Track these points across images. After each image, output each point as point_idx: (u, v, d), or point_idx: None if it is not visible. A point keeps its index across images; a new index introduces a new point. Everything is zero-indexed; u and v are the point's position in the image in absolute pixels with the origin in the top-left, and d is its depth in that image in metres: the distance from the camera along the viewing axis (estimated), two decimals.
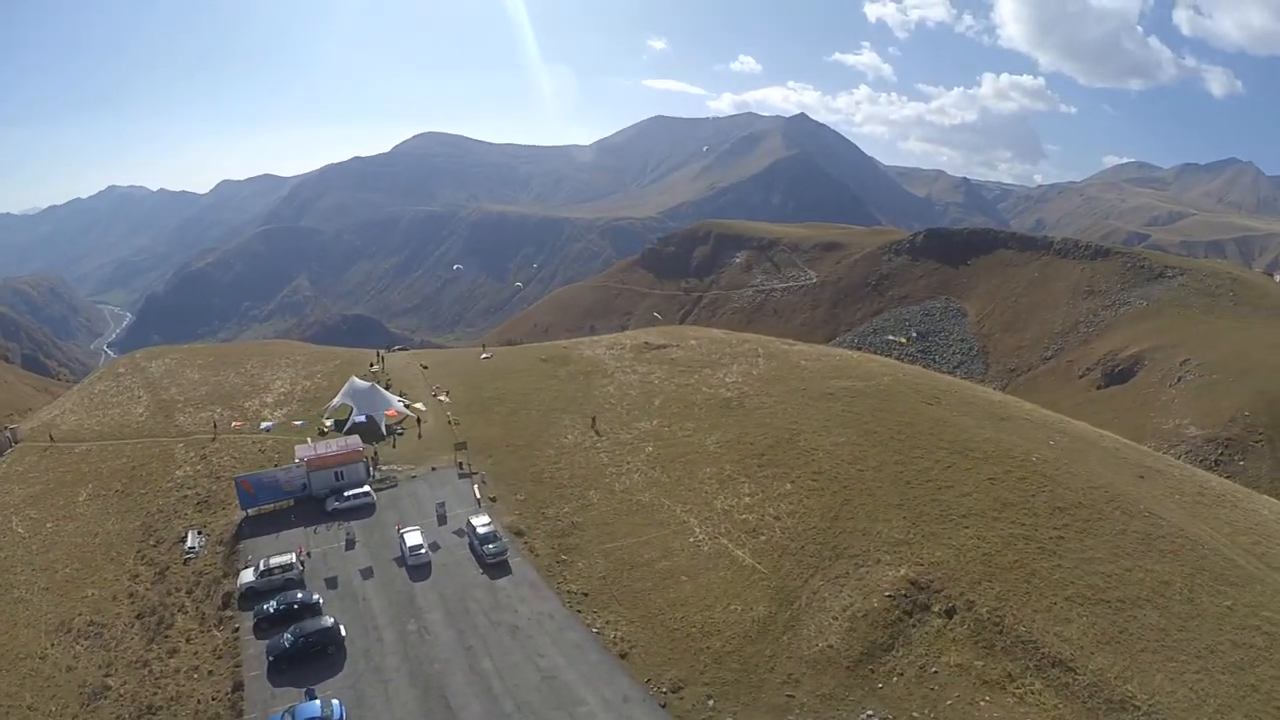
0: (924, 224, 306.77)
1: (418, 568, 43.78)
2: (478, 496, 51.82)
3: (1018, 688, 31.75)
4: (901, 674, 33.16)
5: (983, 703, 31.09)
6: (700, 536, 44.75)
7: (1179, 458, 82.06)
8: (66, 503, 53.53)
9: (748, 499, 47.79)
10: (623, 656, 35.63)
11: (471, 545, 45.36)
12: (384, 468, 57.67)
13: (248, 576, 42.74)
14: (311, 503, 52.08)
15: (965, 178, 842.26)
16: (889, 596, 36.83)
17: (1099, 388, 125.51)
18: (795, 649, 34.97)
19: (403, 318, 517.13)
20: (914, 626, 35.42)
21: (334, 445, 55.83)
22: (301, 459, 53.49)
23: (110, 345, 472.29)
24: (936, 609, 36.08)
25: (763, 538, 43.49)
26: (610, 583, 41.36)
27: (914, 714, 31.06)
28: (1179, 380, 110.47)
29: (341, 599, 41.46)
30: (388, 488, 54.58)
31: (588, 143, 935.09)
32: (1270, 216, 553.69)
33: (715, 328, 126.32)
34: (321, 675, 34.93)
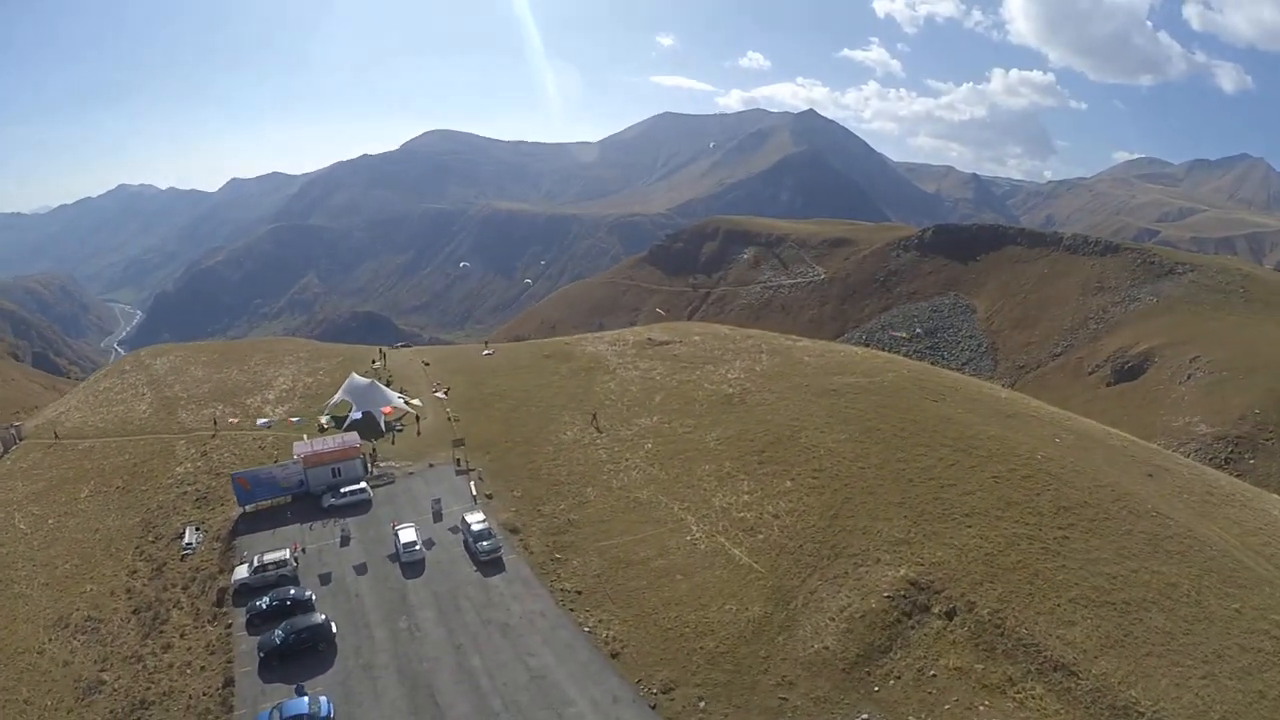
0: (933, 220, 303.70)
1: (411, 564, 43.46)
2: (474, 493, 51.38)
3: (1018, 692, 30.87)
4: (899, 677, 32.36)
5: (981, 707, 30.25)
6: (697, 534, 44.10)
7: (1189, 456, 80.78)
8: (69, 499, 53.58)
9: (746, 496, 47.08)
10: (614, 656, 35.10)
11: (466, 542, 45.03)
12: (382, 464, 57.32)
13: (242, 573, 42.70)
14: (309, 499, 51.92)
15: (975, 174, 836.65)
16: (888, 597, 36.04)
17: (1109, 385, 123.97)
18: (790, 650, 34.25)
19: (412, 315, 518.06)
20: (913, 628, 34.63)
21: (331, 442, 55.67)
22: (298, 455, 53.34)
23: (121, 343, 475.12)
24: (936, 610, 35.25)
25: (761, 536, 42.77)
26: (604, 581, 40.78)
27: (910, 718, 30.30)
28: (1189, 377, 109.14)
29: (334, 595, 41.26)
30: (385, 484, 54.28)
31: (596, 140, 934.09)
32: None
33: (723, 324, 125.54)
34: (312, 672, 34.86)
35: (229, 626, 39.13)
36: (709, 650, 34.80)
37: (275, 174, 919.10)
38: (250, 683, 34.87)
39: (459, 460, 56.31)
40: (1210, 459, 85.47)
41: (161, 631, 39.58)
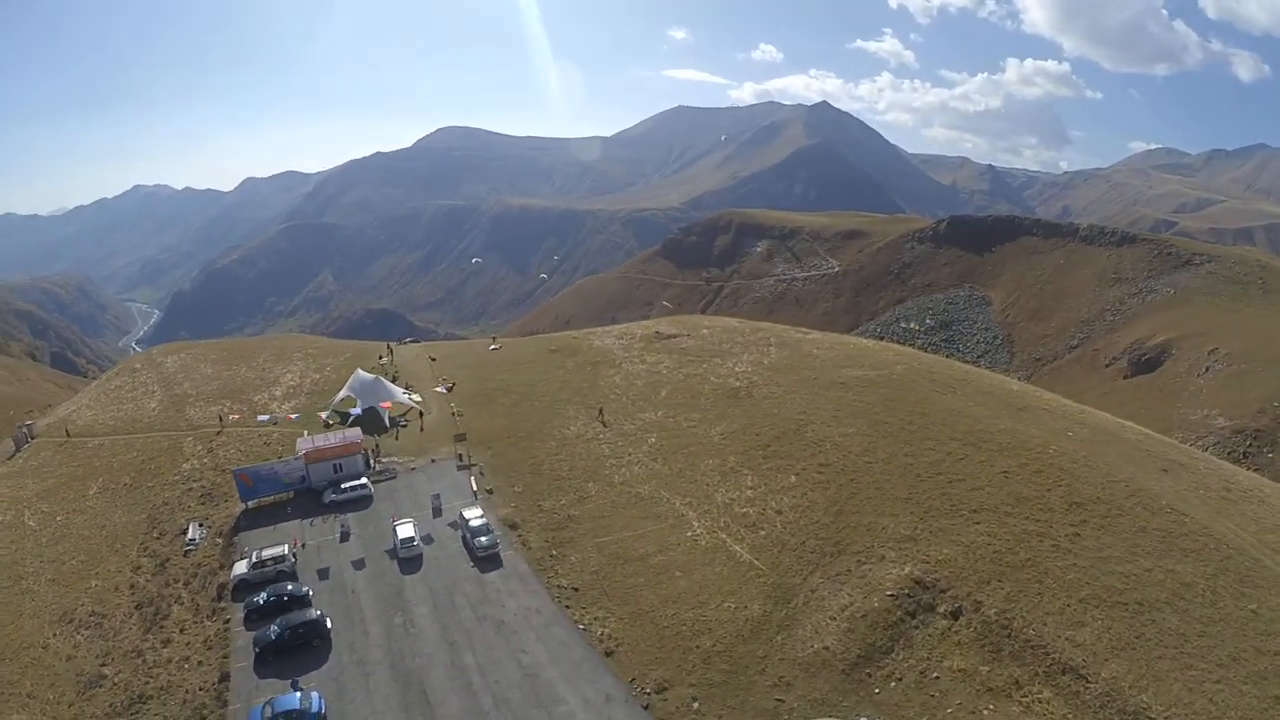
0: (949, 212, 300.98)
1: (409, 560, 43.30)
2: (474, 489, 50.91)
3: (1024, 696, 29.81)
4: (900, 679, 31.37)
5: (985, 711, 29.21)
6: (698, 530, 43.28)
7: (1206, 449, 78.91)
8: (77, 496, 53.89)
9: (750, 492, 46.16)
10: (608, 654, 34.48)
11: (464, 538, 44.66)
12: (384, 459, 57.06)
13: (241, 568, 42.80)
14: (311, 495, 51.86)
15: (990, 165, 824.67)
16: (891, 596, 35.01)
17: (1125, 377, 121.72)
18: (789, 650, 33.36)
19: (426, 311, 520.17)
20: (916, 628, 33.62)
21: (333, 438, 55.60)
22: (300, 451, 53.31)
23: (139, 342, 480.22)
24: (941, 610, 34.21)
25: (763, 532, 41.87)
26: (602, 578, 40.13)
27: None
28: (1207, 370, 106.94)
29: (332, 591, 41.20)
30: (386, 480, 54.03)
31: (609, 134, 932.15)
32: None
33: (736, 317, 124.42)
34: (306, 667, 34.89)
35: (227, 622, 39.25)
36: (705, 649, 34.03)
37: (289, 173, 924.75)
38: (245, 678, 34.92)
39: (461, 455, 55.86)
40: (1228, 453, 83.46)
41: (162, 627, 39.82)
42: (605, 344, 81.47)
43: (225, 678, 35.10)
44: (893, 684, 31.30)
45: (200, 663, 36.45)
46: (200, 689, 34.62)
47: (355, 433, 57.25)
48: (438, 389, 69.43)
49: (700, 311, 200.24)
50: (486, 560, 42.59)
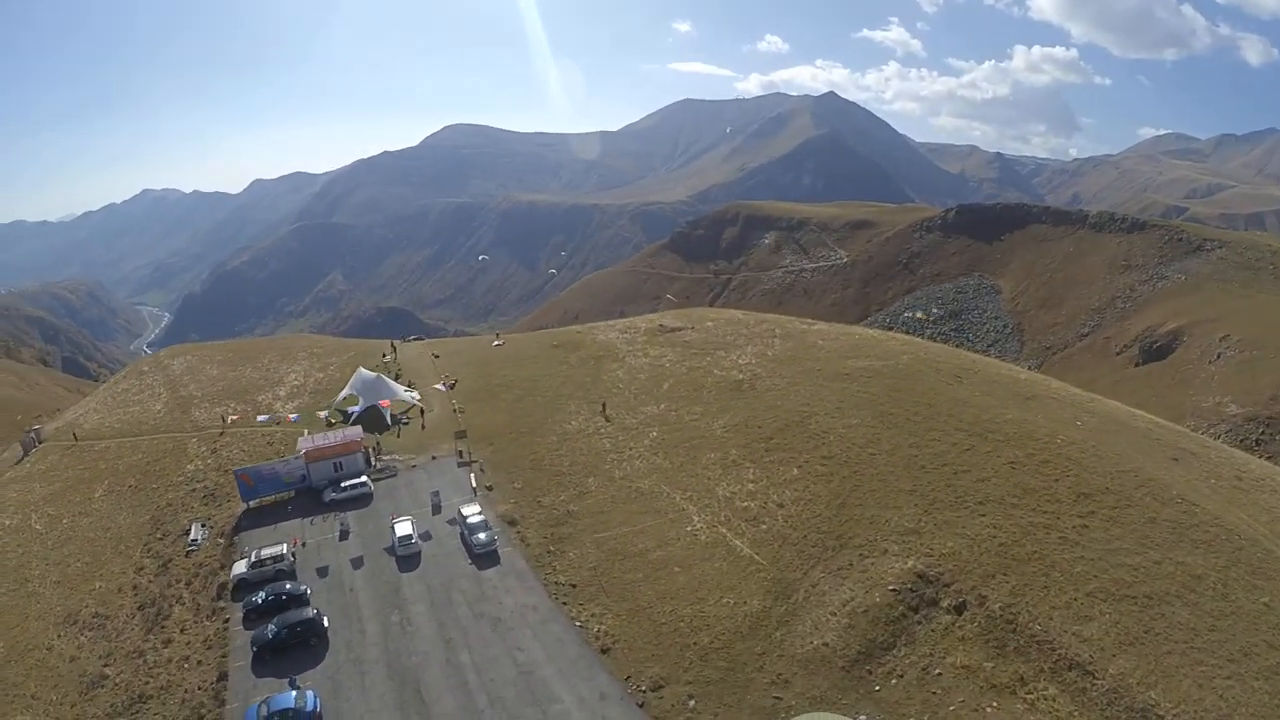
0: (957, 201, 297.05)
1: (407, 558, 43.19)
2: (473, 485, 50.58)
3: (1029, 692, 28.95)
4: (901, 675, 30.60)
5: (989, 709, 28.39)
6: (698, 525, 42.70)
7: (1218, 437, 77.37)
8: (83, 499, 54.07)
9: (751, 485, 45.51)
10: (604, 651, 34.03)
11: (462, 535, 44.44)
12: (385, 457, 56.91)
13: (240, 568, 42.91)
14: (312, 494, 51.86)
15: (999, 153, 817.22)
16: (893, 590, 34.22)
17: (1137, 365, 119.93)
18: (788, 647, 32.71)
19: (436, 309, 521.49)
20: (919, 624, 32.83)
21: (333, 436, 55.45)
22: (301, 450, 53.22)
23: (150, 345, 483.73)
24: (945, 604, 33.40)
25: (764, 526, 41.21)
26: (600, 574, 39.66)
27: None
28: (1219, 357, 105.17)
29: (330, 589, 41.17)
30: (387, 477, 53.90)
31: (616, 128, 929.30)
32: None
33: (745, 309, 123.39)
34: (303, 666, 34.89)
35: (226, 621, 39.36)
36: (703, 646, 33.46)
37: (297, 174, 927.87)
38: (243, 677, 35.01)
39: (461, 452, 55.54)
40: (1241, 441, 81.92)
41: (163, 627, 39.90)
42: (609, 338, 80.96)
43: (223, 677, 35.21)
44: (894, 681, 30.54)
45: (200, 662, 36.54)
46: (199, 688, 34.72)
47: (355, 431, 57.07)
48: (437, 386, 69.14)
49: (709, 304, 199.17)
50: (484, 557, 42.29)
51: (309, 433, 57.80)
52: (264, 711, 31.15)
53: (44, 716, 34.75)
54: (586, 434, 56.23)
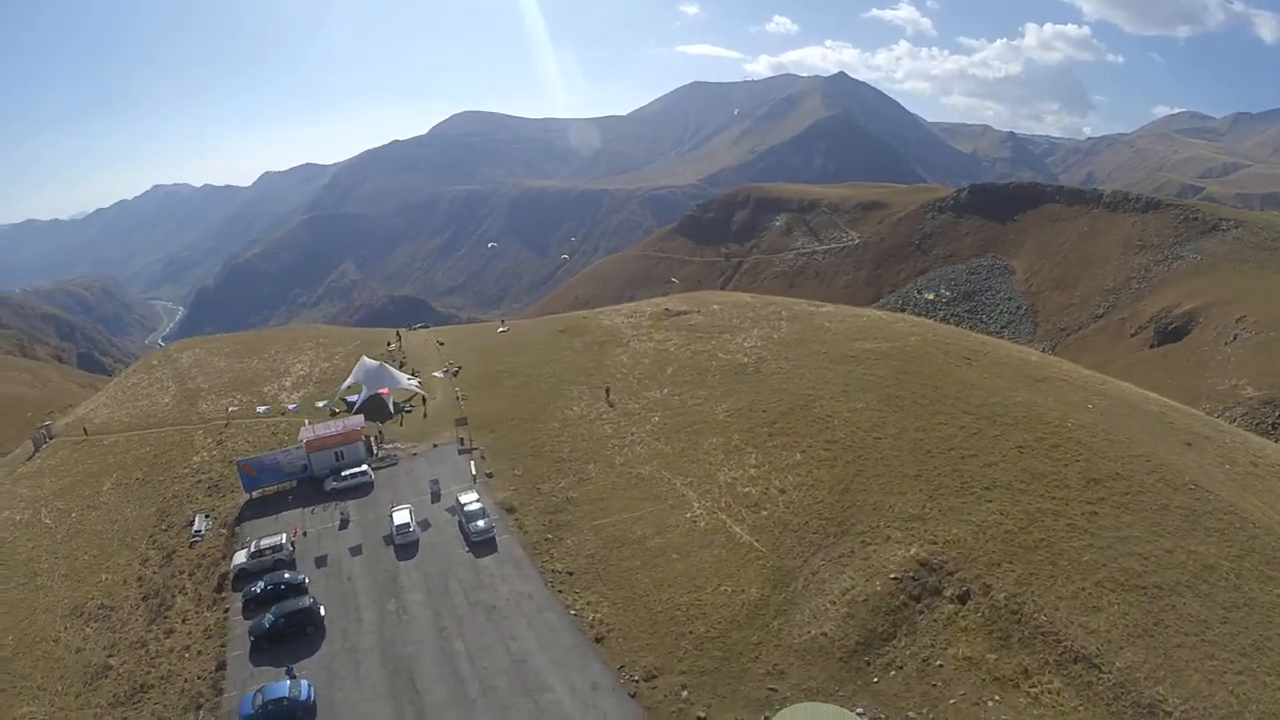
0: (970, 181, 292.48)
1: (404, 546, 43.04)
2: (473, 473, 50.19)
3: (1033, 685, 28.04)
4: (901, 667, 29.79)
5: (991, 703, 27.51)
6: (698, 511, 42.02)
7: (1234, 421, 75.93)
8: (92, 493, 54.46)
9: (753, 470, 44.72)
10: (598, 640, 33.57)
11: (460, 523, 44.10)
12: (387, 446, 56.66)
13: (240, 558, 43.05)
14: (314, 483, 51.78)
15: (1011, 132, 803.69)
16: (894, 579, 33.37)
17: (1152, 346, 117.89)
18: (785, 636, 32.00)
19: (448, 296, 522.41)
20: (920, 613, 31.97)
21: (334, 426, 55.34)
22: (302, 440, 53.14)
23: (164, 339, 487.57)
24: (948, 593, 32.48)
25: (764, 513, 40.45)
26: (597, 561, 39.14)
27: (910, 714, 27.69)
28: (1235, 338, 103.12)
29: (328, 579, 41.12)
30: (388, 466, 53.73)
31: (625, 113, 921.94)
32: None
33: (756, 292, 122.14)
34: (300, 655, 34.93)
35: (226, 611, 39.44)
36: (699, 635, 32.84)
37: (307, 165, 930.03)
38: (241, 666, 35.15)
39: (462, 439, 55.14)
40: (1257, 424, 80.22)
41: (166, 617, 40.20)
42: (613, 323, 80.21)
43: (222, 666, 35.32)
44: (892, 673, 29.74)
45: (200, 652, 36.67)
46: (198, 678, 34.89)
47: (356, 420, 56.96)
48: (436, 374, 68.76)
49: (721, 287, 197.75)
50: (482, 545, 41.98)
51: (309, 423, 57.62)
52: (259, 700, 31.22)
53: (49, 707, 35.03)
54: (588, 420, 55.64)
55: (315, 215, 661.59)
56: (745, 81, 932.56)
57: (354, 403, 63.08)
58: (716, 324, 74.18)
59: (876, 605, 32.46)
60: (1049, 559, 33.36)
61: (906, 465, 41.79)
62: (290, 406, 62.53)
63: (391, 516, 44.41)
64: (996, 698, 27.83)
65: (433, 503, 47.45)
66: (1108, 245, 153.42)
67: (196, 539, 46.67)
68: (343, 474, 51.10)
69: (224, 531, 47.07)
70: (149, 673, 35.96)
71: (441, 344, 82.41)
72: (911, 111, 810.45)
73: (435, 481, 49.21)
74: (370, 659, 34.28)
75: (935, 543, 35.20)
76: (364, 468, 51.75)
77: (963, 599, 32.17)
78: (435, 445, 55.93)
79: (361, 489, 50.28)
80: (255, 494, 50.76)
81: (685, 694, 29.91)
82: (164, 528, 48.73)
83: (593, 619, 34.87)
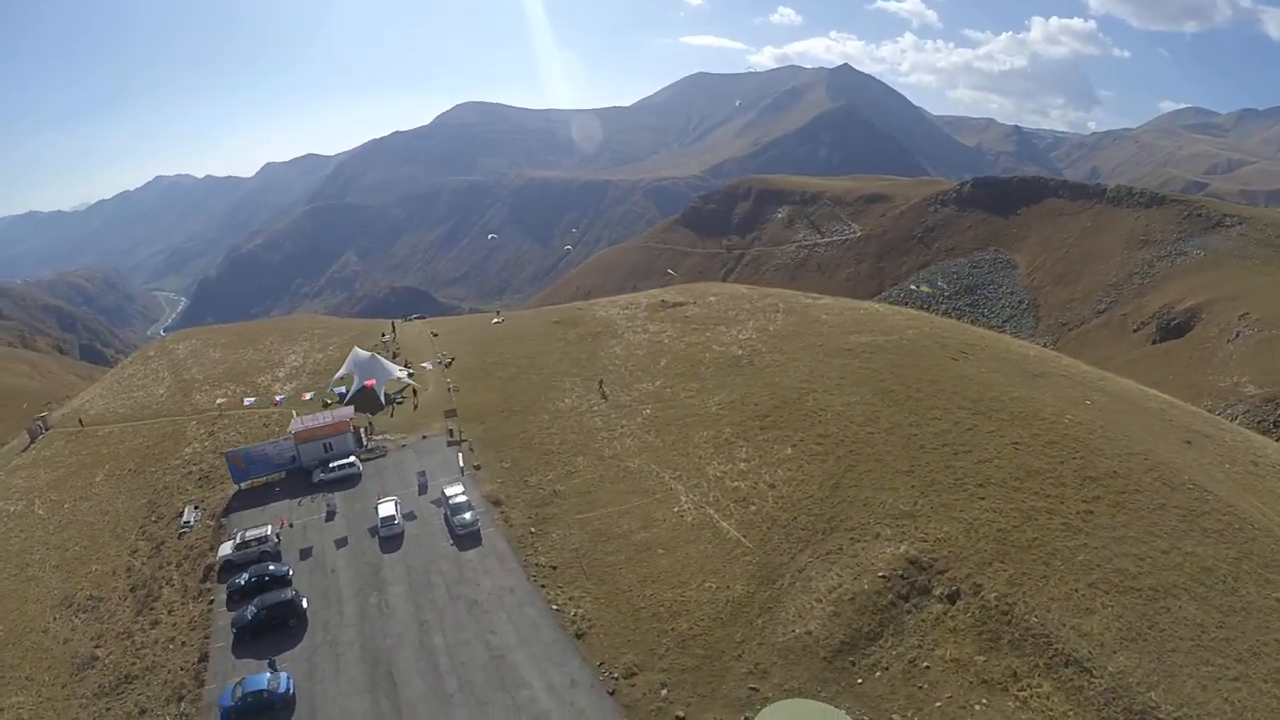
0: (974, 174, 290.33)
1: (389, 539, 42.64)
2: (460, 465, 49.59)
3: (1022, 689, 27.30)
4: (886, 668, 29.09)
5: (978, 706, 26.77)
6: (685, 506, 41.39)
7: (1235, 418, 75.01)
8: (85, 484, 54.19)
9: (743, 465, 44.04)
10: (579, 636, 33.06)
11: (445, 516, 43.59)
12: (377, 437, 56.14)
13: (226, 549, 42.79)
14: (303, 475, 51.39)
15: (1016, 126, 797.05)
16: (883, 577, 32.64)
17: (1154, 342, 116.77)
18: (769, 635, 31.33)
19: (450, 287, 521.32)
20: (909, 613, 31.26)
21: (322, 417, 54.75)
22: (291, 432, 52.71)
23: (166, 329, 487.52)
24: (937, 593, 31.76)
25: (753, 508, 39.77)
26: (581, 555, 38.57)
27: (894, 716, 26.98)
28: (1237, 335, 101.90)
29: (312, 571, 40.80)
30: (377, 457, 53.21)
31: (628, 104, 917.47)
32: None
33: (757, 284, 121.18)
34: (282, 647, 34.89)
35: (211, 603, 39.24)
36: (681, 632, 32.22)
37: (309, 156, 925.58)
38: (223, 657, 35.05)
39: (451, 431, 54.53)
40: (1258, 422, 79.22)
41: (152, 608, 39.90)
42: (609, 314, 79.48)
43: (204, 658, 35.18)
44: (878, 674, 29.04)
45: (184, 643, 36.48)
46: (181, 669, 34.75)
47: (346, 412, 56.33)
48: (425, 365, 68.06)
49: (722, 279, 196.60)
50: (466, 538, 41.51)
51: (297, 414, 57.12)
52: (238, 692, 31.15)
53: (36, 697, 34.81)
54: (579, 412, 54.97)
55: (317, 206, 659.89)
56: (749, 73, 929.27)
57: (342, 394, 62.48)
58: (712, 316, 73.45)
59: (863, 604, 31.75)
60: (1042, 559, 32.60)
61: (899, 461, 41.06)
62: (277, 398, 61.94)
63: (377, 509, 43.97)
64: (984, 701, 27.08)
65: (419, 495, 46.92)
66: (1111, 240, 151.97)
67: (185, 530, 46.36)
68: (330, 465, 50.70)
69: (211, 523, 46.74)
70: (134, 664, 35.80)
71: (436, 335, 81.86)
72: (916, 104, 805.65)
73: (422, 473, 48.63)
74: (350, 652, 34.01)
75: (926, 540, 34.49)
76: (352, 459, 51.32)
77: (952, 599, 31.43)
78: (424, 437, 55.36)
79: (349, 480, 49.87)
80: (244, 485, 50.44)
81: (665, 692, 29.31)
82: (154, 519, 48.45)
83: (574, 614, 34.32)
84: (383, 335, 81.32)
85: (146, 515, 48.86)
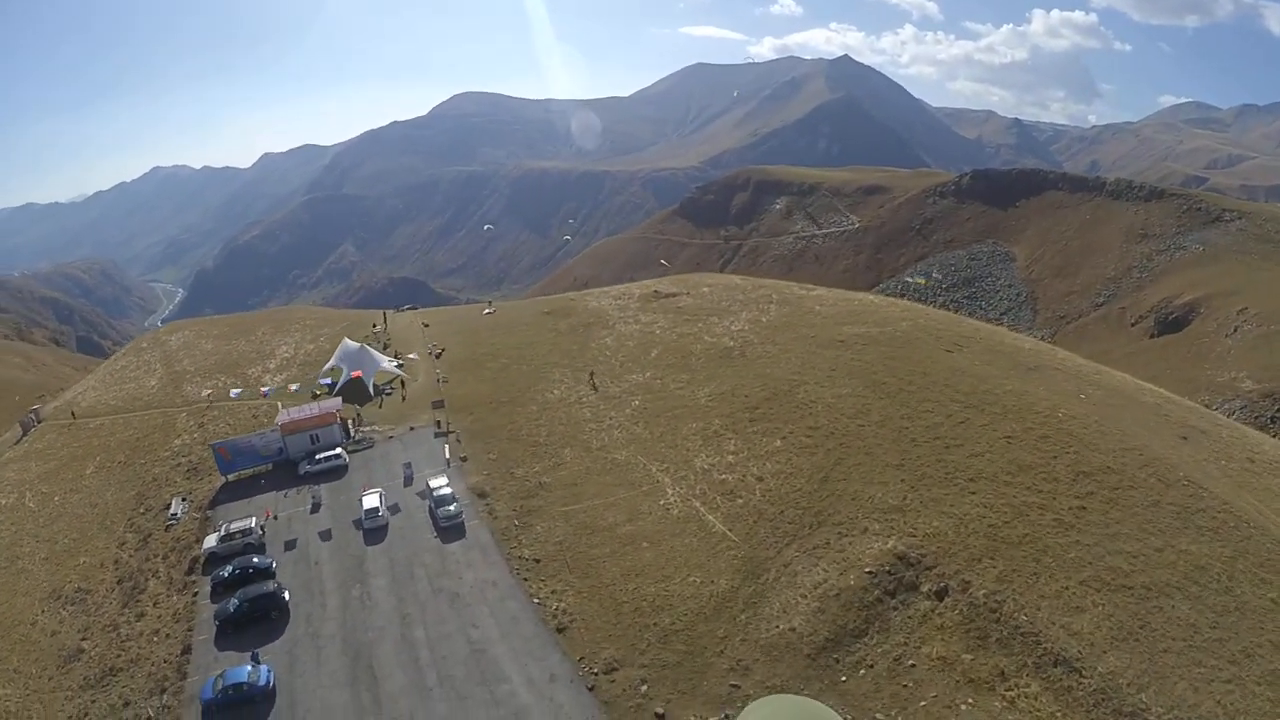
0: (974, 167, 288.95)
1: (373, 531, 42.26)
2: (447, 456, 49.02)
3: (1009, 689, 26.66)
4: (871, 666, 28.46)
5: (964, 706, 26.15)
6: (672, 498, 40.83)
7: (1233, 414, 74.51)
8: (75, 476, 53.83)
9: (731, 457, 43.45)
10: (560, 630, 32.59)
11: (430, 508, 43.08)
12: (365, 429, 55.58)
13: (211, 541, 42.57)
14: (290, 466, 51.02)
15: (1016, 118, 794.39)
16: (869, 573, 32.00)
17: (1152, 336, 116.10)
18: (752, 631, 30.78)
19: (448, 278, 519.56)
20: (895, 609, 30.60)
21: (309, 409, 54.42)
22: (278, 423, 52.25)
23: (164, 321, 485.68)
24: (925, 589, 31.10)
25: (740, 501, 39.18)
26: (565, 548, 38.06)
27: (878, 715, 26.39)
28: (1235, 330, 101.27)
29: (296, 563, 40.50)
30: (364, 449, 52.75)
31: (627, 94, 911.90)
32: None
33: (755, 276, 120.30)
34: (264, 639, 34.73)
35: (195, 595, 39.00)
36: (663, 627, 31.68)
37: (307, 146, 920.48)
38: (206, 650, 34.90)
39: (439, 422, 53.92)
40: (1255, 417, 78.79)
41: (138, 601, 39.70)
42: (601, 305, 78.82)
43: (187, 650, 34.99)
44: (862, 672, 28.42)
45: (168, 635, 36.34)
46: (165, 661, 34.60)
47: (333, 403, 55.91)
48: (411, 356, 67.41)
49: (720, 270, 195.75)
50: (450, 530, 41.08)
51: (282, 405, 56.60)
52: (219, 685, 31.04)
53: (23, 689, 34.74)
54: (567, 403, 54.35)
55: (315, 196, 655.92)
56: (749, 63, 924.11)
57: (331, 385, 61.90)
58: (705, 307, 72.81)
59: (849, 600, 31.13)
60: (1032, 555, 31.99)
61: (889, 454, 40.47)
62: (264, 390, 61.34)
63: (361, 501, 43.55)
64: (970, 701, 26.47)
65: (405, 487, 46.52)
66: (1110, 234, 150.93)
67: (172, 522, 46.05)
68: (317, 457, 50.22)
69: (198, 515, 46.38)
70: (119, 656, 35.68)
71: (427, 325, 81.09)
72: (916, 96, 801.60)
73: (408, 465, 48.21)
74: (332, 645, 33.72)
75: (914, 535, 33.91)
76: (338, 451, 50.81)
77: (940, 595, 30.80)
78: (412, 428, 54.79)
79: (335, 472, 49.43)
80: (231, 477, 50.06)
81: (645, 688, 28.79)
82: (142, 511, 48.15)
83: (556, 608, 33.84)
84: (374, 326, 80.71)
85: (135, 507, 48.55)
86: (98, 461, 55.14)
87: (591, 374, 58.85)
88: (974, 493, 36.34)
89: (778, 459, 42.05)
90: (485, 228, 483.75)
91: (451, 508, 41.62)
